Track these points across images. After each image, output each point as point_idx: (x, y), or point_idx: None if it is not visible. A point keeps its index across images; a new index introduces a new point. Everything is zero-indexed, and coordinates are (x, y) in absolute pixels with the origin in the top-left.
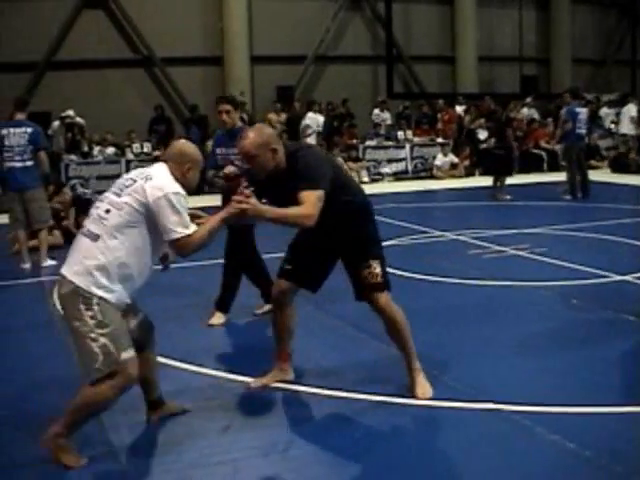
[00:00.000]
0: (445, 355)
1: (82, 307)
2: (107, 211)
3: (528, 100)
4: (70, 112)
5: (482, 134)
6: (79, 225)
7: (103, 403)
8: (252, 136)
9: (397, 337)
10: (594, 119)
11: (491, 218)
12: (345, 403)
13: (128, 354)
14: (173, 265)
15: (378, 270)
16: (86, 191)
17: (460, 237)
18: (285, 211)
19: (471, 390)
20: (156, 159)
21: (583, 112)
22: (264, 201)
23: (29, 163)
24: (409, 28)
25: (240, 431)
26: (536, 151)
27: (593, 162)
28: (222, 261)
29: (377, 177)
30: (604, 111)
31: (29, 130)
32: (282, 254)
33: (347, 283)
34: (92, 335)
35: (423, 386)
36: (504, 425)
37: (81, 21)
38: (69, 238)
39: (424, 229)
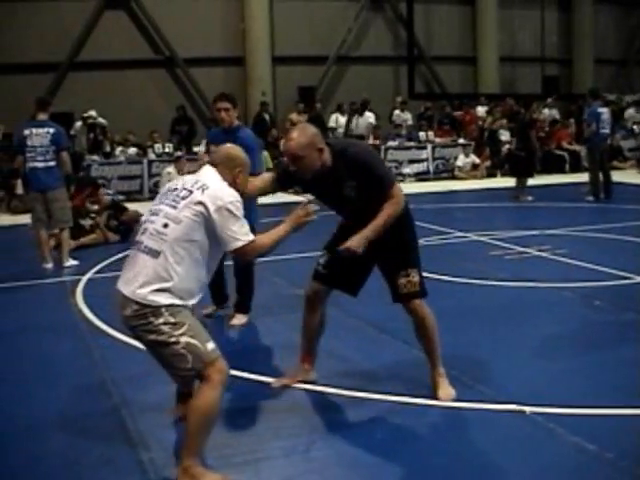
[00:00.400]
0: (467, 356)
1: (152, 319)
2: (165, 225)
3: (549, 101)
4: (92, 112)
5: (504, 135)
6: (110, 228)
7: (215, 408)
8: (297, 137)
9: (425, 340)
10: (617, 120)
11: (513, 219)
12: (368, 404)
13: (212, 345)
14: None
15: (417, 279)
16: (109, 191)
17: (481, 238)
18: (380, 220)
19: (493, 391)
20: (178, 159)
21: (605, 112)
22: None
23: (51, 163)
24: (430, 28)
25: (262, 431)
26: (558, 152)
27: (616, 163)
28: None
29: (398, 178)
30: (629, 112)
31: (51, 130)
32: (294, 255)
33: (368, 284)
34: (172, 339)
35: (446, 389)
36: (526, 426)
37: (103, 22)
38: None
39: (445, 230)
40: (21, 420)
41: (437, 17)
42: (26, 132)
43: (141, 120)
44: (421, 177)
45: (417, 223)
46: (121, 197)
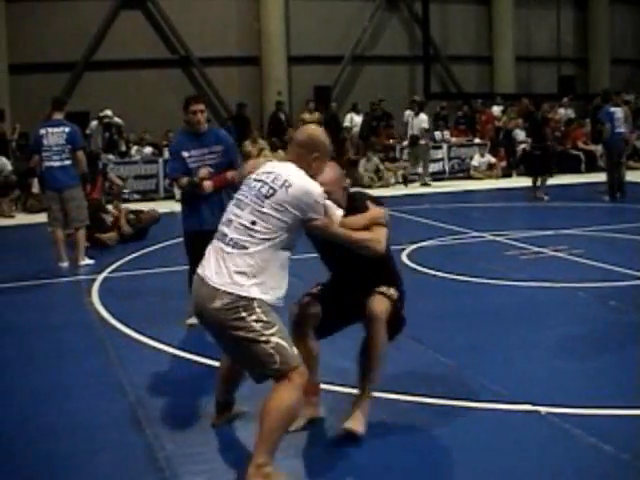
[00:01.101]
0: (482, 356)
1: (244, 314)
2: (253, 222)
3: (564, 100)
4: (108, 112)
5: (520, 135)
6: (127, 221)
7: (295, 409)
8: (329, 171)
9: (372, 355)
10: (633, 120)
11: (528, 219)
12: (382, 403)
13: (295, 350)
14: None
15: (393, 292)
16: (124, 190)
17: (497, 238)
18: (355, 236)
19: (509, 391)
20: None
21: (618, 111)
22: None
23: (67, 162)
24: (446, 28)
25: None
26: (574, 152)
27: (631, 163)
28: None
29: (414, 177)
30: None
31: (67, 130)
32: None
33: None
34: (262, 338)
35: (360, 422)
36: (542, 427)
37: (119, 22)
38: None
39: (461, 230)
40: (36, 419)
41: (453, 16)
42: (42, 132)
43: (157, 119)
44: (437, 177)
45: (433, 223)
46: (137, 196)
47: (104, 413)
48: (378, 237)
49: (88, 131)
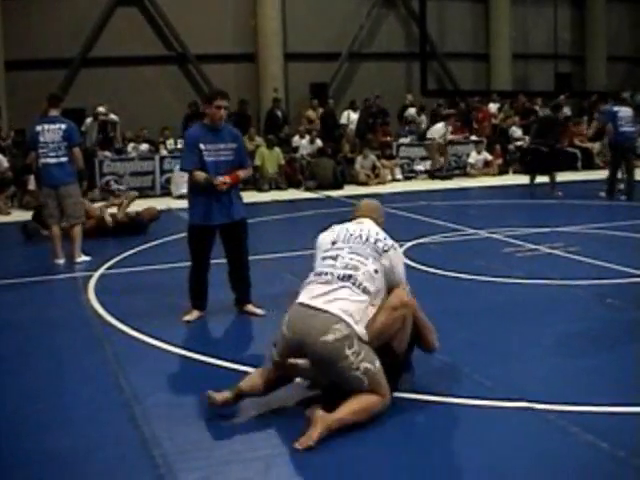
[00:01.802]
0: (479, 353)
1: (347, 350)
2: (356, 268)
3: (561, 98)
4: (101, 108)
5: (517, 132)
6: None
7: (373, 414)
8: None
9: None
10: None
11: (525, 216)
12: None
13: (378, 362)
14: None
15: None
16: (120, 187)
17: (494, 235)
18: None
19: (505, 388)
20: None
21: (623, 110)
22: None
23: (63, 159)
24: (443, 25)
25: (272, 427)
26: (570, 149)
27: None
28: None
29: (411, 175)
30: None
31: (63, 126)
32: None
33: None
34: (354, 366)
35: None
36: (538, 424)
37: (115, 18)
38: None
39: (458, 227)
40: (33, 415)
41: (450, 13)
42: (38, 128)
43: (153, 116)
44: (433, 174)
45: (429, 220)
46: (121, 187)
47: (100, 410)
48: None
49: (83, 128)
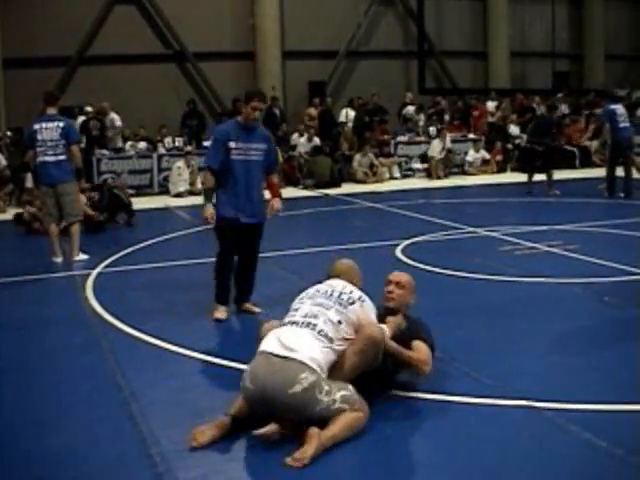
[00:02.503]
0: (477, 351)
1: (319, 395)
2: (336, 322)
3: (559, 96)
4: (88, 108)
5: (515, 130)
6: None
7: (359, 430)
8: (411, 279)
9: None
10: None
11: (523, 214)
12: (376, 398)
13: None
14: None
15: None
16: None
17: (492, 233)
18: (406, 350)
19: (503, 387)
20: (188, 154)
21: (619, 107)
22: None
23: (61, 157)
24: (441, 23)
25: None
26: (568, 147)
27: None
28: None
29: (408, 173)
30: None
31: (61, 124)
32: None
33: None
34: (330, 403)
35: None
36: (536, 422)
37: (113, 16)
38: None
39: (455, 225)
40: (31, 413)
41: (448, 12)
42: (36, 126)
43: (151, 114)
44: (431, 172)
45: (427, 218)
46: (131, 191)
47: (98, 408)
48: (425, 359)
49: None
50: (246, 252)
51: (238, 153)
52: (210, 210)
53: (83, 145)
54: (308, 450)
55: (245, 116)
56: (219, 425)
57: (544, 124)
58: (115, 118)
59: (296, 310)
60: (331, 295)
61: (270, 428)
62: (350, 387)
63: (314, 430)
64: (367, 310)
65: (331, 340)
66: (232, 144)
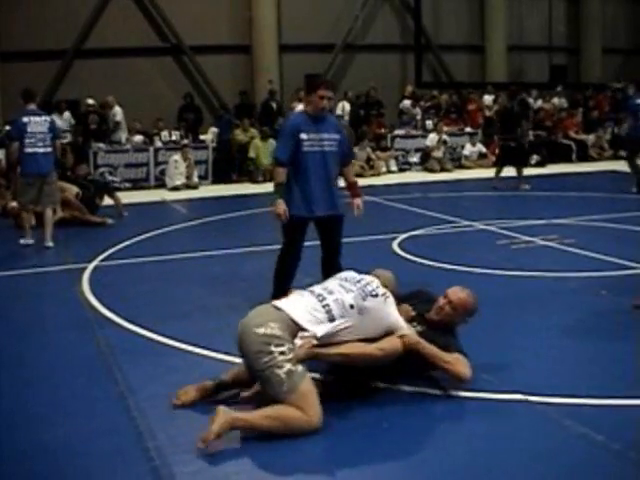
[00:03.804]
0: (474, 345)
1: (273, 347)
2: (347, 305)
3: (556, 90)
4: (90, 101)
5: None
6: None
7: (292, 428)
8: (471, 300)
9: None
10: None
11: (520, 208)
12: (373, 392)
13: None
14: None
15: None
16: (115, 179)
17: (488, 227)
18: (442, 353)
19: (500, 381)
20: (184, 147)
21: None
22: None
23: (49, 149)
24: (438, 17)
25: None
26: (565, 141)
27: (622, 153)
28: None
29: (405, 166)
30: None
31: (48, 119)
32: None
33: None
34: (277, 364)
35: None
36: (533, 417)
37: (110, 9)
38: None
39: (452, 219)
40: (27, 408)
41: (445, 5)
42: (25, 120)
43: (148, 108)
44: (427, 166)
45: (424, 212)
46: (127, 185)
47: (95, 402)
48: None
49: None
50: (329, 246)
51: (311, 144)
52: (282, 206)
53: (80, 138)
54: (214, 427)
55: (314, 106)
56: (201, 388)
57: (506, 117)
58: (118, 112)
59: (320, 283)
60: (358, 282)
61: (255, 388)
62: (307, 375)
63: (221, 408)
64: (389, 305)
65: (332, 318)
66: (303, 135)
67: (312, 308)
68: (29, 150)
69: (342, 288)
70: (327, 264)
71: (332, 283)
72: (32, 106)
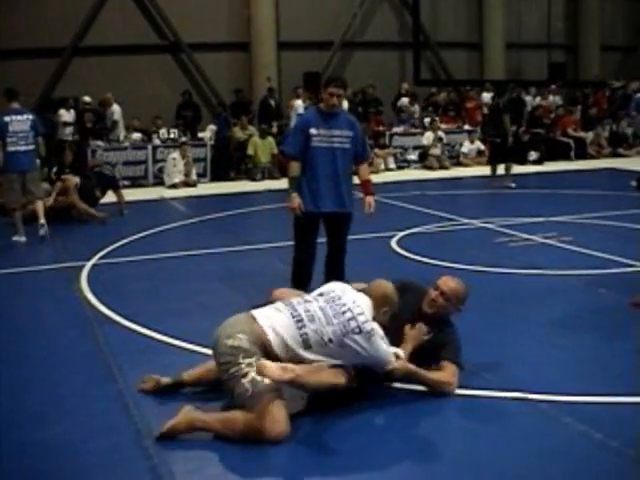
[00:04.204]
0: (473, 343)
1: (241, 359)
2: (327, 340)
3: (553, 87)
4: (86, 98)
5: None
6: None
7: (247, 436)
8: (462, 288)
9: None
10: (623, 107)
11: (518, 206)
12: (372, 391)
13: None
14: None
15: None
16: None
17: (487, 225)
18: (430, 374)
19: (499, 379)
20: (183, 145)
21: None
22: None
23: (31, 147)
24: (436, 14)
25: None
26: (563, 139)
27: (621, 150)
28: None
29: (404, 164)
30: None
31: (31, 117)
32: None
33: None
34: (243, 373)
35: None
36: (532, 414)
37: (108, 7)
38: None
39: (451, 216)
40: (27, 406)
41: (443, 3)
42: (7, 119)
43: (146, 105)
44: (426, 163)
45: (422, 210)
46: (126, 182)
47: (93, 400)
48: (449, 379)
49: (70, 119)
50: (333, 243)
51: (320, 140)
52: (297, 200)
53: (77, 136)
54: (167, 423)
55: (325, 102)
56: (158, 382)
57: (490, 113)
58: (115, 110)
59: (306, 302)
60: (343, 314)
61: None
62: (273, 387)
63: (186, 407)
64: (373, 343)
65: (308, 347)
66: (313, 130)
67: (289, 335)
68: (11, 149)
69: (324, 317)
70: (331, 262)
71: (315, 307)
72: (15, 105)
